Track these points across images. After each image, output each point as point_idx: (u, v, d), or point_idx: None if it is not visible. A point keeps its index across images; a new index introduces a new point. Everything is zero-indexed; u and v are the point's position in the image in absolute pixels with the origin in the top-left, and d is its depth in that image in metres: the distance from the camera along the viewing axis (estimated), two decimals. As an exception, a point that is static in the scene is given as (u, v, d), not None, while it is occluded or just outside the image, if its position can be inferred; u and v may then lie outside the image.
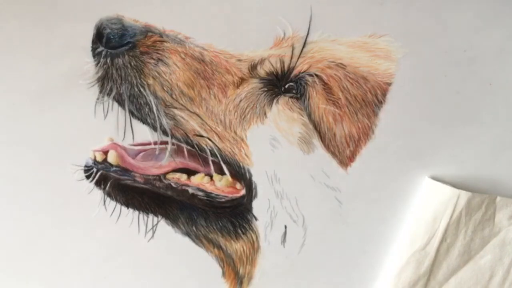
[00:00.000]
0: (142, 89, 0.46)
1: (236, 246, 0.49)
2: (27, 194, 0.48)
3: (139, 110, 0.47)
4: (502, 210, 0.46)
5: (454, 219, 0.46)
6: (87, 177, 0.48)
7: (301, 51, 0.46)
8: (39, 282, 0.49)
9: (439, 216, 0.46)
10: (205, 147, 0.47)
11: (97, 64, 0.46)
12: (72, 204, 0.48)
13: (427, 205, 0.47)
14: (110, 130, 0.48)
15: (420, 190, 0.47)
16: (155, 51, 0.46)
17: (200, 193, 0.48)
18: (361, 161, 0.48)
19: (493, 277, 0.47)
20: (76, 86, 0.47)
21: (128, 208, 0.49)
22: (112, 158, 0.47)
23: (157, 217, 0.49)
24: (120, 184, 0.48)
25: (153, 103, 0.46)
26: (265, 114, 0.47)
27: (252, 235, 0.49)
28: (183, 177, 0.48)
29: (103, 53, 0.46)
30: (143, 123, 0.47)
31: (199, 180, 0.48)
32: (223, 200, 0.48)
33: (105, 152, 0.48)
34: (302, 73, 0.47)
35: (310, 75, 0.47)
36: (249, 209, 0.48)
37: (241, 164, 0.48)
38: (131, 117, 0.47)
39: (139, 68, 0.46)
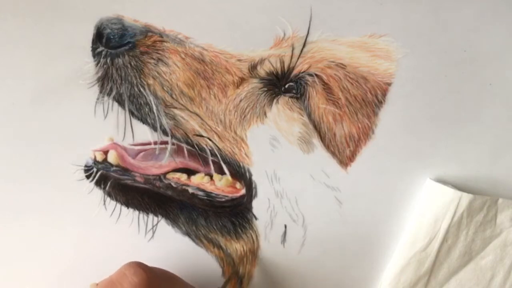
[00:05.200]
0: (142, 89, 0.46)
1: (236, 246, 0.49)
2: (27, 194, 0.48)
3: (139, 110, 0.47)
4: (503, 211, 0.46)
5: (456, 220, 0.46)
6: (87, 177, 0.48)
7: (301, 51, 0.46)
8: (39, 282, 0.50)
9: (440, 217, 0.46)
10: (205, 147, 0.47)
11: (97, 64, 0.46)
12: (72, 204, 0.48)
13: (429, 206, 0.47)
14: (110, 130, 0.48)
15: (422, 191, 0.47)
16: (155, 51, 0.46)
17: (200, 193, 0.48)
18: (361, 161, 0.48)
19: (494, 277, 0.47)
20: (76, 86, 0.47)
21: (128, 208, 0.49)
22: (112, 158, 0.48)
23: (157, 217, 0.49)
24: (120, 184, 0.48)
25: (153, 103, 0.46)
26: (265, 114, 0.47)
27: (252, 234, 0.49)
28: (183, 177, 0.48)
29: (103, 53, 0.46)
30: (143, 123, 0.47)
31: (199, 180, 0.48)
32: (223, 199, 0.48)
33: (105, 152, 0.48)
34: (302, 73, 0.47)
35: (310, 75, 0.47)
36: (249, 208, 0.48)
37: (241, 164, 0.48)
38: (131, 117, 0.47)
39: (139, 68, 0.46)
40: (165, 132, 0.47)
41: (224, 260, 0.49)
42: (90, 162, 0.48)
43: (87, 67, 0.46)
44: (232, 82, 0.47)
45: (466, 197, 0.46)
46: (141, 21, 0.46)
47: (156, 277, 0.39)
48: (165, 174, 0.48)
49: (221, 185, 0.48)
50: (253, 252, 0.49)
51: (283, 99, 0.47)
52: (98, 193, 0.48)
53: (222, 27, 0.46)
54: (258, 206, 0.48)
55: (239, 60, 0.47)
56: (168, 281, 0.42)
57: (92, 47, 0.46)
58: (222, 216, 0.49)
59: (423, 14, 0.46)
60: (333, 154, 0.47)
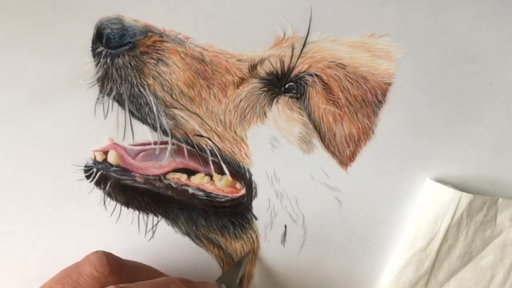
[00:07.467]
0: (142, 89, 0.46)
1: (236, 246, 0.49)
2: (27, 194, 0.48)
3: (139, 110, 0.47)
4: (503, 211, 0.46)
5: (455, 220, 0.46)
6: (87, 177, 0.48)
7: (301, 51, 0.46)
8: (39, 282, 0.49)
9: (440, 217, 0.46)
10: (205, 147, 0.47)
11: (97, 64, 0.46)
12: (72, 204, 0.48)
13: (428, 206, 0.47)
14: (110, 130, 0.48)
15: (421, 191, 0.47)
16: (155, 51, 0.46)
17: (200, 193, 0.48)
18: (361, 161, 0.47)
19: (494, 277, 0.47)
20: (76, 86, 0.47)
21: (128, 208, 0.49)
22: (112, 158, 0.48)
23: (157, 217, 0.49)
24: (120, 184, 0.48)
25: (153, 103, 0.46)
26: (265, 114, 0.47)
27: (252, 234, 0.49)
28: (183, 177, 0.48)
29: (103, 53, 0.46)
30: (143, 123, 0.47)
31: (199, 180, 0.48)
32: (223, 200, 0.48)
33: (105, 152, 0.48)
34: (302, 73, 0.47)
35: (310, 75, 0.47)
36: (249, 208, 0.48)
37: (241, 164, 0.48)
38: (131, 117, 0.47)
39: (139, 68, 0.46)
40: (165, 132, 0.47)
41: (224, 260, 0.49)
42: (90, 162, 0.48)
43: (87, 67, 0.47)
44: (232, 82, 0.47)
45: (466, 197, 0.46)
46: (141, 21, 0.46)
47: (120, 263, 0.41)
48: (165, 174, 0.48)
49: (221, 185, 0.48)
50: (253, 252, 0.49)
51: (283, 99, 0.47)
52: (98, 193, 0.48)
53: (222, 27, 0.46)
54: (258, 206, 0.48)
55: (239, 60, 0.47)
56: (136, 269, 0.42)
57: (92, 47, 0.46)
58: (222, 216, 0.49)
59: (423, 14, 0.46)
60: (333, 154, 0.47)
